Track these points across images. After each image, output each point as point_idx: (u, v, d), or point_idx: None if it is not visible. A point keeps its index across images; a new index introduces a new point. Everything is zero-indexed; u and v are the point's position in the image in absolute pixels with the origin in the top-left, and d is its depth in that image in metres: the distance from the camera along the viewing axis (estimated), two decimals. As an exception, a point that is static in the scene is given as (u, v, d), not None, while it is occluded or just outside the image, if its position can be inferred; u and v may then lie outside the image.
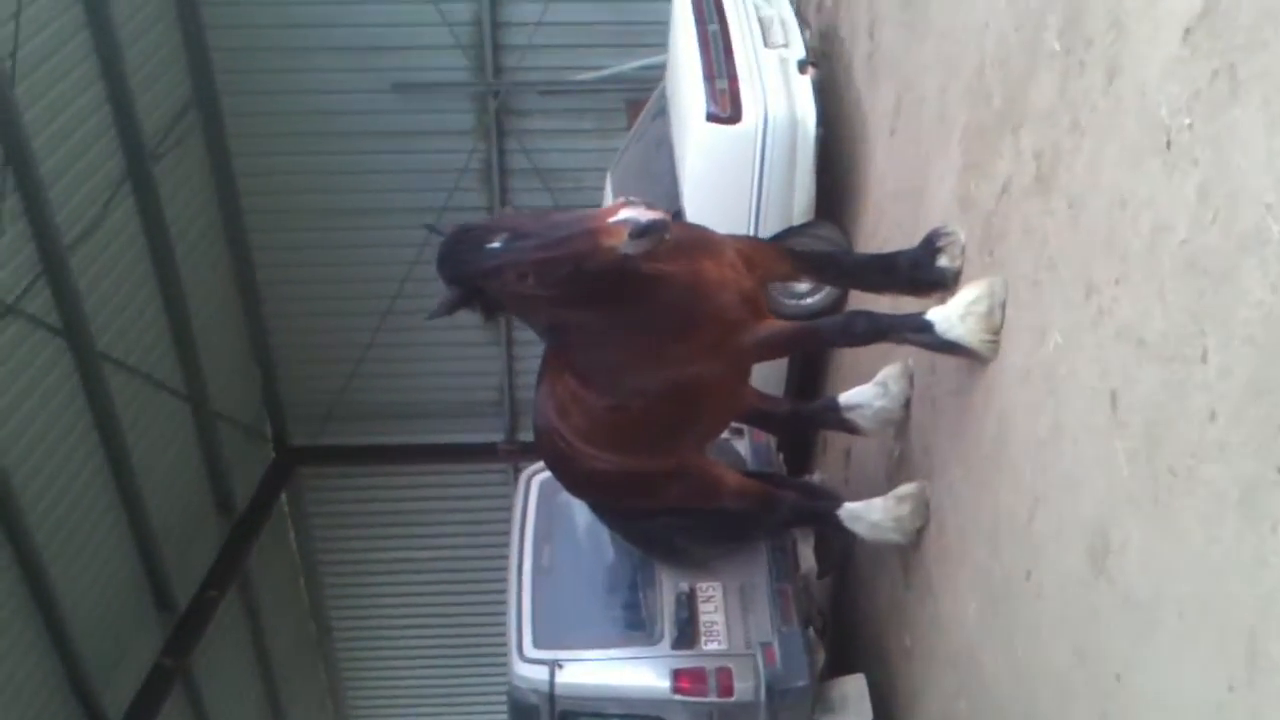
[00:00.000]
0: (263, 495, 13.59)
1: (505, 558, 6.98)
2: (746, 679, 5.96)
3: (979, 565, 4.77)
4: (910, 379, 5.76)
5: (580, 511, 6.96)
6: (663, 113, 8.10)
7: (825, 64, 7.85)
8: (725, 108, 6.85)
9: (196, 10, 10.77)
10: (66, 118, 9.14)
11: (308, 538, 14.81)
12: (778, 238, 7.04)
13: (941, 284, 5.01)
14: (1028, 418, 4.22)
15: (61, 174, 9.09)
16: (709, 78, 6.95)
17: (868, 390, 5.85)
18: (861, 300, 6.89)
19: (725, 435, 6.63)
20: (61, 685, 9.78)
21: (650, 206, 4.16)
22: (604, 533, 6.77)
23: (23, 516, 8.85)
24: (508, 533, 7.10)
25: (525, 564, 6.77)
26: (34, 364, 9.07)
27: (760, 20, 7.43)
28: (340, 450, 14.06)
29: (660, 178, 7.74)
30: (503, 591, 6.81)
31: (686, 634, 6.15)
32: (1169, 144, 3.15)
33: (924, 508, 5.54)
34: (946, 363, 5.15)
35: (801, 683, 5.87)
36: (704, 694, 5.94)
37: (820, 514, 6.08)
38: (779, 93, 6.92)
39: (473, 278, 4.40)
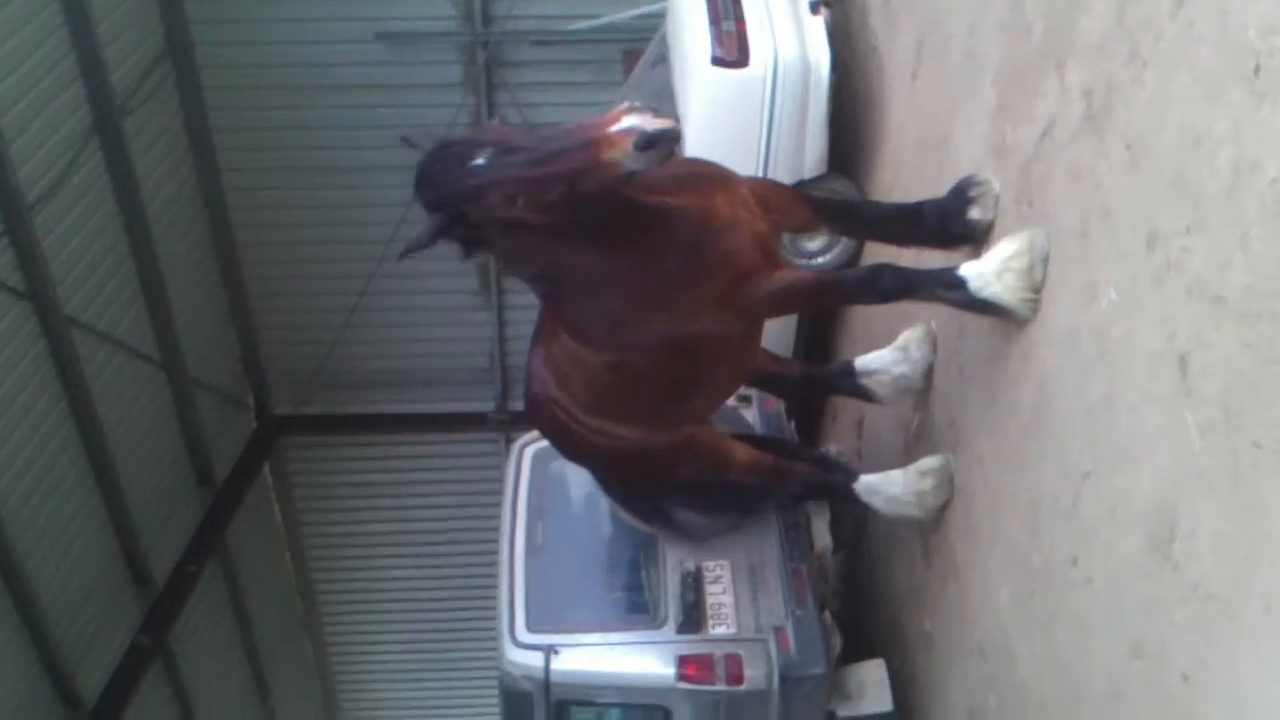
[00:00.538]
0: (244, 466, 13.18)
1: (497, 531, 6.59)
2: (758, 666, 5.60)
3: (1014, 548, 4.37)
4: (934, 343, 5.36)
5: (576, 485, 6.61)
6: (663, 60, 7.64)
7: (838, 7, 7.38)
8: (732, 51, 6.40)
9: (169, -45, 10.26)
10: (28, 69, 8.64)
11: (292, 510, 14.43)
12: (790, 189, 6.59)
13: (972, 237, 4.62)
14: (1074, 385, 3.81)
15: (23, 129, 8.59)
16: (714, 19, 6.50)
17: (886, 355, 5.45)
18: (876, 258, 6.47)
19: (732, 403, 6.22)
20: (32, 665, 9.39)
21: (657, 113, 3.66)
22: (602, 508, 6.41)
23: (-12, 490, 8.42)
24: (499, 505, 6.71)
25: (517, 541, 6.42)
26: (-3, 329, 8.61)
27: (768, -41, 6.95)
28: (325, 419, 13.63)
29: (659, 130, 7.27)
30: (495, 565, 6.44)
31: (692, 617, 5.80)
32: (1257, 70, 2.73)
33: (948, 483, 5.15)
34: (976, 325, 4.75)
35: (817, 670, 5.50)
36: (711, 682, 5.58)
37: (835, 487, 5.74)
38: (790, 35, 6.47)
39: (454, 200, 3.92)
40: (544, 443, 6.79)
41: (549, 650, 5.76)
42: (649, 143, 3.58)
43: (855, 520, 6.79)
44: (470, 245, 4.21)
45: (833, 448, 6.70)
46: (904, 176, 6.07)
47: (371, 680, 16.49)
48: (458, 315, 12.91)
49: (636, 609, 6.03)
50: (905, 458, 5.90)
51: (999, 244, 4.21)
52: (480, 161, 3.82)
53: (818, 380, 5.81)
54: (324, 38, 10.93)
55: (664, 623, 5.87)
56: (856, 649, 6.35)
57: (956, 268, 4.30)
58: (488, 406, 13.56)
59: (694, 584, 5.91)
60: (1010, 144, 4.44)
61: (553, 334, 4.92)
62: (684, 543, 6.05)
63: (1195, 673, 3.03)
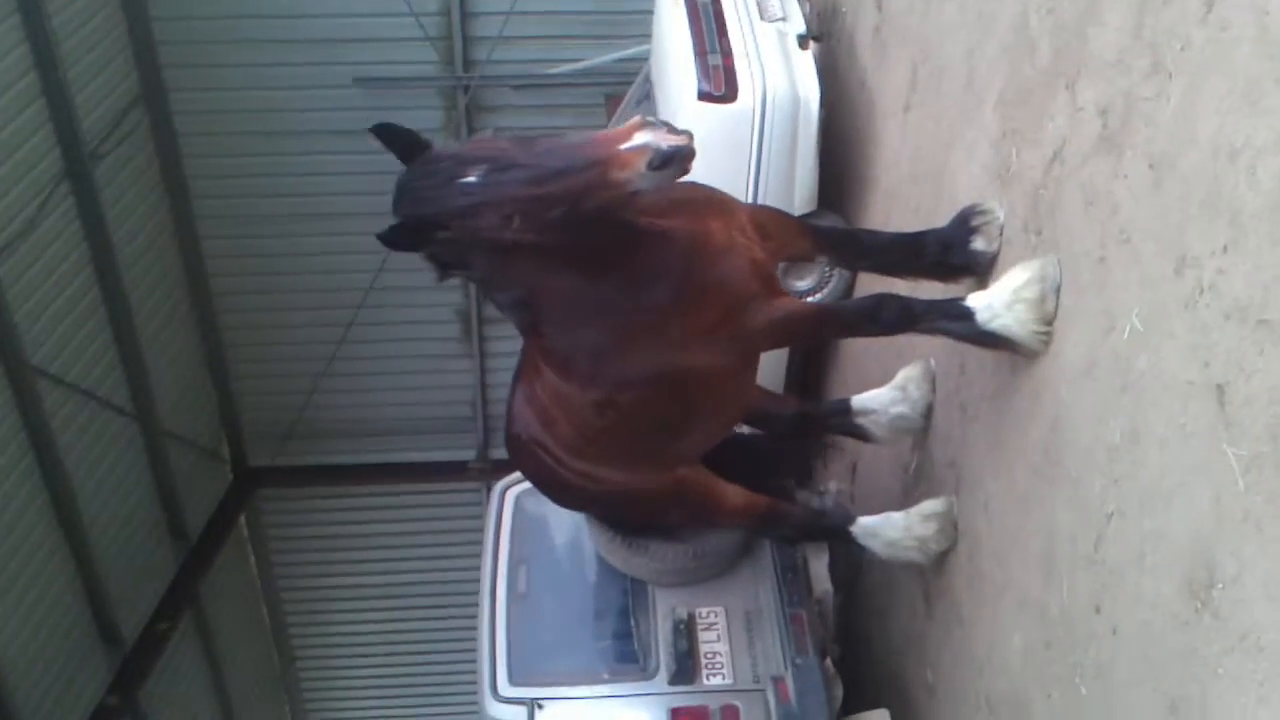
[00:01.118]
0: (219, 519, 12.83)
1: (479, 582, 6.30)
2: (756, 718, 5.31)
3: (1026, 594, 4.13)
4: (933, 382, 5.14)
5: (561, 528, 6.34)
6: (647, 97, 7.47)
7: (825, 43, 7.24)
8: (719, 85, 6.21)
9: (142, -3, 10.09)
10: (-5, 111, 8.44)
11: (268, 564, 14.06)
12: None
13: (974, 270, 4.43)
14: (1093, 421, 3.58)
15: (-10, 173, 8.38)
16: (700, 53, 6.31)
17: (884, 394, 5.24)
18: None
19: None
20: (-6, 728, 9.01)
21: (671, 128, 3.35)
22: (588, 552, 6.15)
23: (-52, 545, 8.10)
24: (479, 555, 6.43)
25: (499, 588, 6.13)
26: (-40, 380, 8.33)
27: (755, -7, 6.82)
28: (303, 470, 13.30)
29: (644, 168, 7.09)
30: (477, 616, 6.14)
31: (686, 667, 5.51)
32: (1307, 70, 2.52)
33: (951, 528, 4.93)
34: (979, 360, 4.55)
35: None
36: None
37: (832, 529, 5.49)
38: (778, 69, 6.29)
39: (440, 220, 3.55)
40: (526, 485, 6.55)
41: (533, 704, 5.46)
42: (664, 161, 3.29)
43: (852, 561, 6.55)
44: (448, 266, 3.88)
45: (831, 486, 6.47)
46: (898, 211, 5.89)
47: (351, 738, 16.03)
48: (438, 363, 12.67)
49: (626, 659, 5.74)
50: (903, 501, 5.67)
51: (1008, 273, 4.00)
52: (472, 179, 3.47)
53: (813, 419, 5.58)
54: (301, 83, 10.74)
55: (655, 673, 5.58)
56: (857, 698, 6.09)
57: (963, 298, 4.09)
58: (469, 455, 13.30)
59: (687, 631, 5.64)
60: (1016, 170, 4.25)
61: (535, 370, 4.67)
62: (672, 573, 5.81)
63: (1242, 731, 2.79)
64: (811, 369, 7.74)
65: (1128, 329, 3.34)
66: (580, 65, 10.65)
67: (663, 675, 5.51)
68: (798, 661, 5.38)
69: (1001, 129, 4.40)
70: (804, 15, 6.74)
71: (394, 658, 14.85)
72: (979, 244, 4.36)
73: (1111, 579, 3.46)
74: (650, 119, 3.38)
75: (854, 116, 6.69)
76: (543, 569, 6.13)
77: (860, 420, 5.29)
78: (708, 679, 5.48)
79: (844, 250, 4.84)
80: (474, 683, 5.89)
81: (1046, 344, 3.93)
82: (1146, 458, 3.23)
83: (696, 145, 6.23)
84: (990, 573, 4.53)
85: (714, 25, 6.43)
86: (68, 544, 9.88)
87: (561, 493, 5.23)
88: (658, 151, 3.28)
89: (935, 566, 5.14)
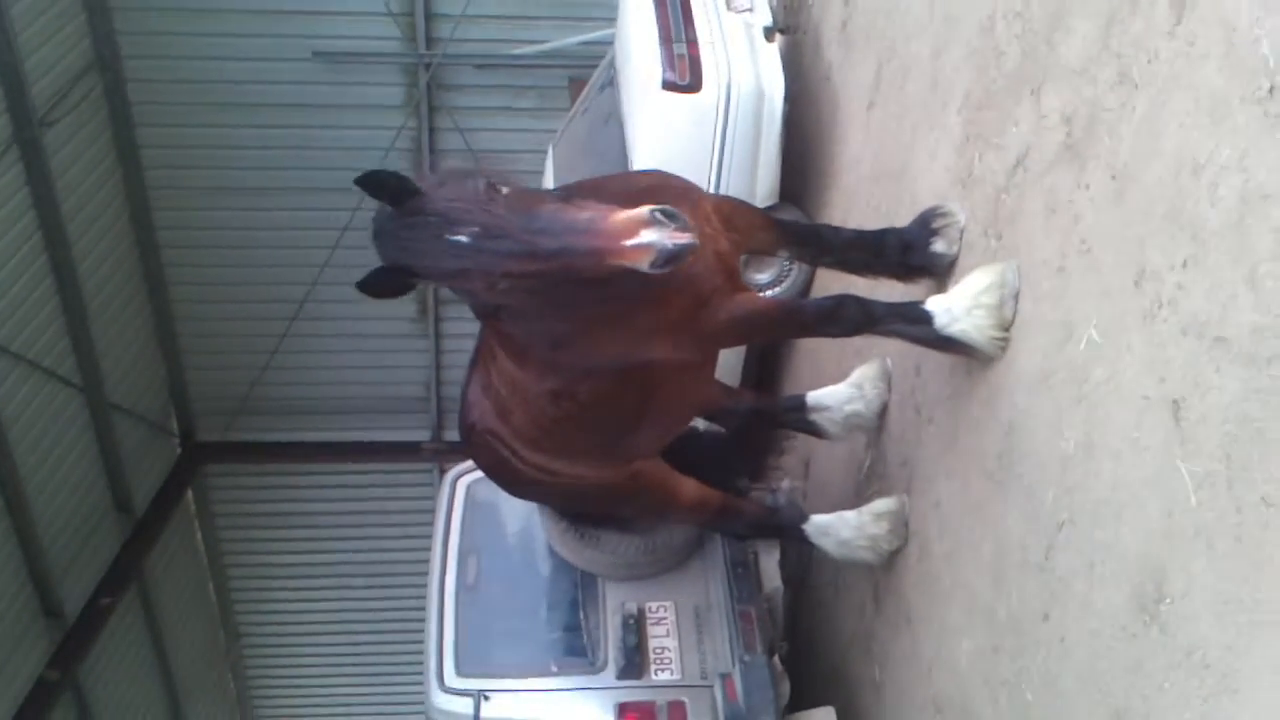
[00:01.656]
0: (166, 494, 12.69)
1: (428, 565, 6.24)
2: (703, 715, 5.31)
3: (976, 599, 4.13)
4: (889, 381, 5.13)
5: (512, 519, 6.28)
6: (611, 83, 7.39)
7: (792, 36, 7.20)
8: (684, 75, 6.15)
9: (96, -37, 9.88)
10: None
11: (215, 540, 13.96)
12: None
13: (934, 271, 4.42)
14: (1048, 430, 3.58)
15: (-65, 138, 8.19)
16: (665, 41, 6.24)
17: (840, 391, 5.23)
18: (827, 290, 6.27)
19: None
20: (-72, 703, 8.86)
21: (679, 223, 3.25)
22: (539, 544, 6.08)
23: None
24: (430, 538, 6.36)
25: (448, 579, 6.06)
26: (-99, 348, 8.15)
27: (722, -18, 6.74)
28: (252, 447, 13.19)
29: (606, 155, 7.03)
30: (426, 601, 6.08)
31: (634, 662, 5.49)
32: (1272, 90, 2.51)
33: (903, 528, 4.93)
34: (935, 362, 4.54)
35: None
36: None
37: (784, 527, 5.50)
38: (744, 61, 6.24)
39: (426, 274, 3.53)
40: (478, 474, 6.49)
41: (479, 696, 5.41)
42: (667, 261, 3.21)
43: (802, 558, 6.55)
44: (406, 291, 3.76)
45: (785, 484, 6.45)
46: (858, 209, 5.86)
47: (295, 716, 15.92)
48: (393, 342, 12.59)
49: (574, 652, 5.70)
50: (856, 500, 5.67)
51: (968, 278, 3.98)
52: (462, 240, 3.35)
53: (767, 414, 5.57)
54: (259, 54, 10.60)
55: (603, 667, 5.56)
56: (804, 694, 6.09)
57: (922, 302, 4.07)
58: (423, 436, 13.24)
59: (636, 626, 5.62)
60: (978, 174, 4.23)
61: (492, 356, 4.60)
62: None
63: (1186, 746, 2.79)
64: (768, 364, 7.72)
65: (1085, 340, 3.33)
66: (544, 47, 10.59)
67: (611, 669, 5.49)
68: (745, 659, 5.36)
69: (965, 132, 4.38)
70: (771, 7, 6.69)
71: (341, 637, 14.78)
72: (939, 246, 4.35)
73: (1061, 588, 3.46)
74: (658, 214, 3.26)
75: (818, 111, 6.65)
76: (492, 559, 6.08)
77: (814, 416, 5.29)
78: (656, 674, 5.46)
79: (806, 245, 4.75)
80: (420, 661, 5.85)
81: (1004, 350, 3.92)
82: (1100, 469, 3.23)
83: (660, 137, 6.22)
84: (940, 575, 4.53)
85: (680, 13, 6.36)
86: (10, 516, 9.76)
87: (516, 484, 5.18)
88: (664, 252, 3.20)
89: (885, 566, 5.14)
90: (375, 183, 3.44)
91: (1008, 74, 4.01)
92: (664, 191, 4.08)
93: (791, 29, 7.24)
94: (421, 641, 5.96)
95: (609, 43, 8.19)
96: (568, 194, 3.86)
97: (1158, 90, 2.98)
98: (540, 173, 8.89)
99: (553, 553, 5.97)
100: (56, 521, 10.53)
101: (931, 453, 4.66)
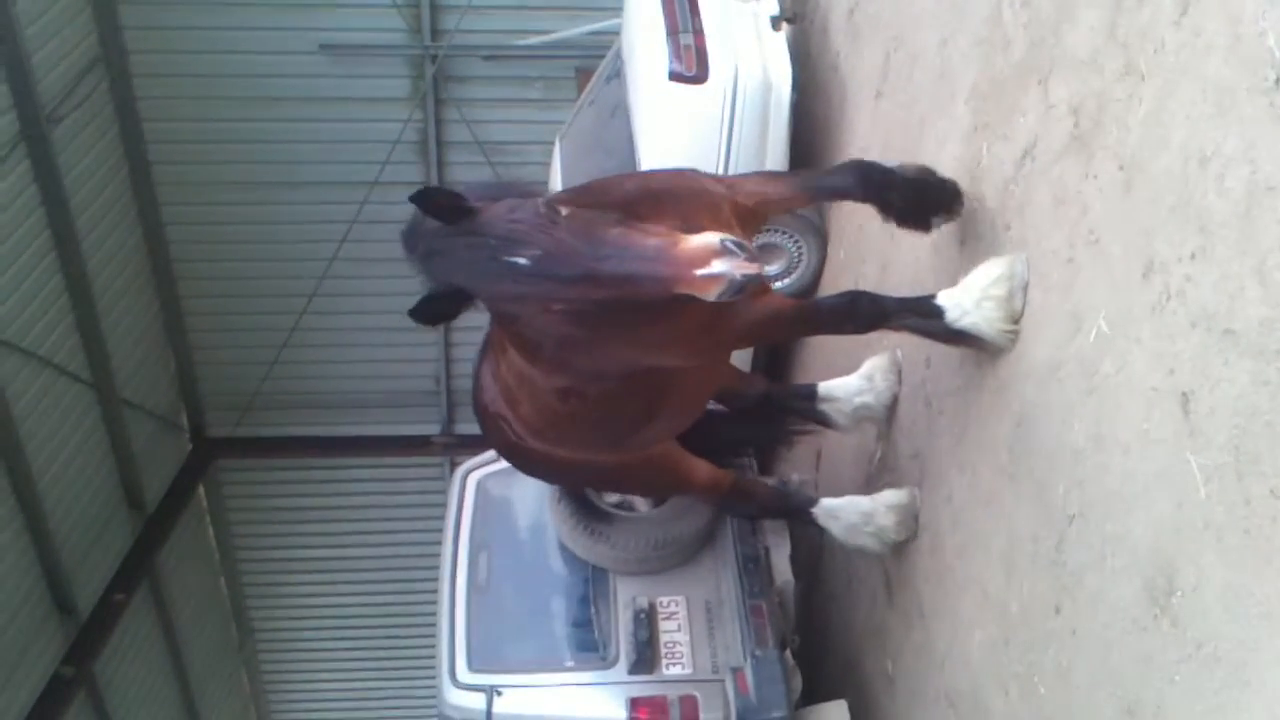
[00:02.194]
0: (178, 490, 12.69)
1: (439, 560, 6.25)
2: (714, 709, 5.29)
3: (988, 592, 4.12)
4: (899, 374, 5.11)
5: (523, 514, 6.28)
6: (618, 75, 7.36)
7: (799, 25, 7.16)
8: (690, 66, 6.13)
9: (102, -43, 9.86)
10: (-53, 72, 8.26)
11: (227, 535, 13.97)
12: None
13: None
14: (1058, 422, 3.56)
15: (-57, 135, 8.20)
16: (672, 32, 6.22)
17: (850, 383, 5.22)
18: (835, 283, 6.26)
19: None
20: (-54, 699, 8.91)
21: (749, 253, 3.18)
22: (550, 539, 6.08)
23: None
24: (441, 532, 6.37)
25: (459, 574, 6.07)
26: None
27: (729, -28, 6.72)
28: (263, 442, 13.17)
29: (614, 148, 7.02)
30: (437, 595, 6.10)
31: (645, 656, 5.47)
32: (1277, 81, 2.48)
33: (912, 521, 4.93)
34: (945, 355, 4.51)
35: (778, 714, 5.18)
36: None
37: (794, 509, 5.49)
38: (751, 51, 6.22)
39: (481, 296, 3.45)
40: (488, 469, 6.49)
41: (491, 691, 5.41)
42: (736, 292, 3.13)
43: (813, 548, 6.54)
44: (453, 317, 3.72)
45: (794, 477, 6.43)
46: (867, 199, 5.84)
47: (308, 711, 15.98)
48: (402, 335, 12.50)
49: (586, 647, 5.70)
50: (866, 491, 5.65)
51: (977, 270, 3.96)
52: (522, 263, 3.27)
53: (777, 401, 5.54)
54: (266, 48, 10.57)
55: (615, 662, 5.55)
56: (816, 687, 6.09)
57: (934, 296, 4.05)
58: (433, 429, 13.23)
59: (647, 621, 5.60)
60: (986, 165, 4.21)
61: (502, 349, 4.57)
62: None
63: (1197, 739, 2.78)
64: (777, 352, 7.71)
65: (1094, 331, 3.31)
66: (551, 37, 10.54)
67: (622, 664, 5.48)
68: (757, 653, 5.35)
69: (973, 122, 4.35)
70: (777, -4, 6.66)
71: (353, 631, 14.79)
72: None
73: (1072, 581, 3.45)
74: (728, 243, 3.17)
75: (826, 100, 6.63)
76: (503, 555, 6.08)
77: (824, 406, 5.27)
78: (667, 669, 5.45)
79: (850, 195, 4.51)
80: (433, 655, 5.86)
81: (1013, 343, 3.90)
82: (1110, 462, 3.22)
83: (667, 128, 6.19)
84: (952, 567, 4.52)
85: (687, 4, 6.34)
86: (23, 513, 9.76)
87: (528, 466, 5.19)
88: (733, 284, 3.11)
89: (897, 558, 5.13)
90: (429, 199, 3.35)
91: (1015, 64, 3.98)
92: (683, 198, 3.97)
93: (798, 17, 7.21)
94: (434, 635, 5.97)
95: (616, 32, 8.16)
96: (616, 205, 3.69)
97: (1164, 81, 2.96)
98: (547, 164, 8.89)
99: (564, 548, 5.98)
100: (69, 518, 10.54)
101: (942, 445, 4.64)
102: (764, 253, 6.54)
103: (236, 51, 10.55)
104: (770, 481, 6.14)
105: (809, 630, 6.64)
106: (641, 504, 5.93)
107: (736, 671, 5.32)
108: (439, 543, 6.38)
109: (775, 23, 6.43)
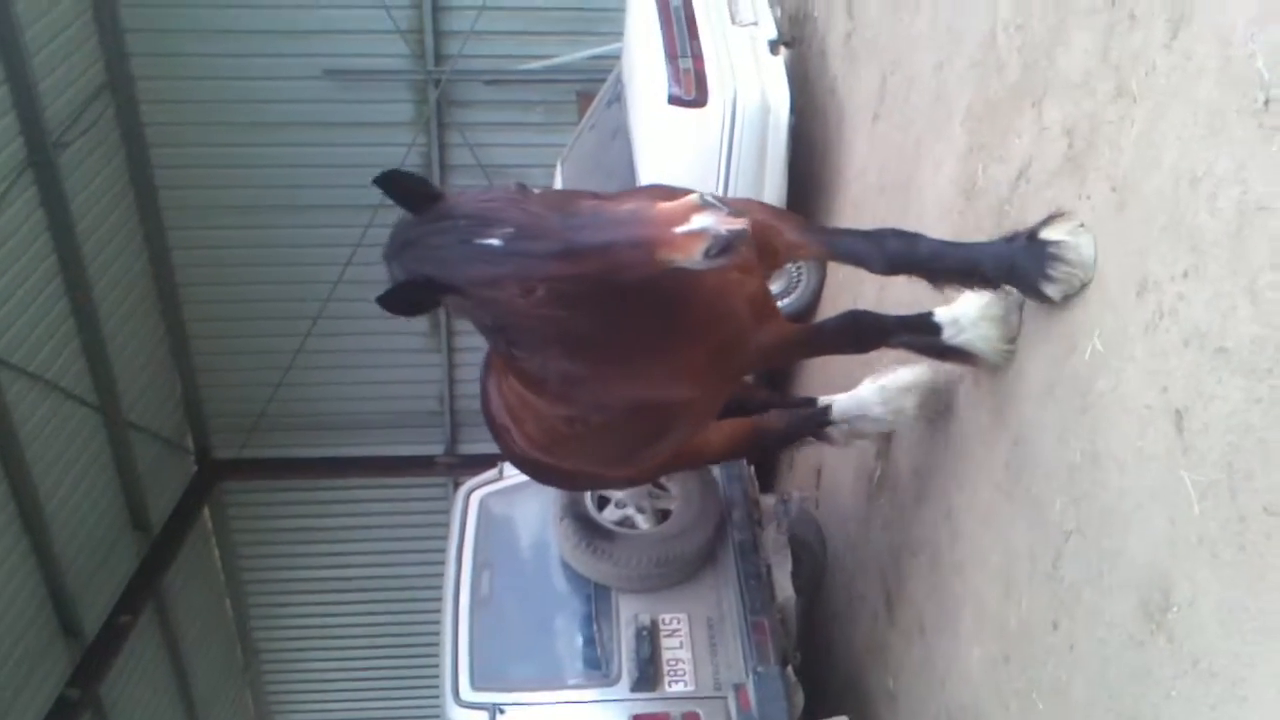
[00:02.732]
0: (183, 511, 12.73)
1: (442, 579, 6.28)
2: None
3: (987, 609, 4.15)
4: (913, 396, 4.98)
5: (525, 532, 6.31)
6: (618, 99, 7.44)
7: (796, 48, 7.24)
8: (689, 90, 6.20)
9: (108, -16, 9.96)
10: (-45, 99, 8.33)
11: (233, 556, 14.00)
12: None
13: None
14: (1054, 440, 3.60)
15: (-49, 161, 8.27)
16: (671, 56, 6.29)
17: (863, 394, 4.94)
18: (835, 301, 6.30)
19: None
20: (-49, 722, 8.93)
21: (730, 209, 2.96)
22: (552, 558, 6.11)
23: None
24: (445, 552, 6.40)
25: (462, 592, 6.12)
26: (-81, 370, 8.23)
27: (727, -4, 6.80)
28: (268, 463, 13.23)
29: (614, 171, 7.09)
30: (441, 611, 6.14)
31: (648, 674, 5.51)
32: (1267, 103, 2.54)
33: (933, 397, 4.66)
34: (944, 373, 4.54)
35: None
36: None
37: (815, 422, 5.15)
38: (749, 74, 6.29)
39: (455, 285, 3.12)
40: (491, 488, 6.54)
41: (494, 710, 5.46)
42: (722, 248, 2.89)
43: (815, 566, 6.56)
44: (430, 308, 3.36)
45: (795, 494, 6.46)
46: (865, 219, 5.89)
47: (314, 732, 15.98)
48: (406, 357, 12.62)
49: (589, 665, 5.73)
50: (867, 507, 5.69)
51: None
52: (495, 242, 3.01)
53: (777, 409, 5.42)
54: (271, 74, 10.67)
55: (617, 679, 5.58)
56: (818, 703, 6.10)
57: (931, 313, 4.08)
58: (436, 450, 13.27)
59: (649, 638, 5.64)
60: (982, 185, 4.27)
61: (502, 371, 4.43)
62: None
63: (1195, 754, 2.81)
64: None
65: (1089, 350, 3.35)
66: (552, 62, 10.64)
67: (625, 681, 5.51)
68: (759, 669, 5.38)
69: (969, 144, 4.41)
70: (775, 20, 6.73)
71: (357, 651, 14.80)
72: (1051, 290, 3.54)
73: (1069, 597, 3.48)
74: (708, 198, 2.97)
75: (823, 123, 6.69)
76: (506, 573, 6.11)
77: (828, 429, 5.21)
78: (670, 685, 5.48)
79: (866, 262, 4.06)
80: (437, 676, 5.89)
81: (1010, 360, 3.93)
82: (1106, 479, 3.25)
83: (666, 152, 6.22)
84: (951, 584, 4.54)
85: (685, 28, 6.41)
86: (29, 536, 9.80)
87: (534, 473, 5.02)
88: (717, 238, 2.88)
89: (896, 574, 5.15)
90: (394, 183, 3.10)
91: (1009, 86, 4.04)
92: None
93: (796, 41, 7.28)
94: (437, 654, 6.00)
95: (616, 57, 8.25)
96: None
97: (1156, 103, 3.01)
98: (549, 187, 8.96)
99: (566, 566, 6.00)
100: (75, 540, 10.58)
101: (941, 462, 4.67)
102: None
103: (242, 78, 10.65)
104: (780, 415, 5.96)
105: (811, 647, 6.66)
106: (643, 521, 5.97)
107: (739, 688, 5.35)
108: (442, 562, 6.42)
109: (773, 47, 6.49)
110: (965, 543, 4.40)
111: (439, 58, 10.78)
